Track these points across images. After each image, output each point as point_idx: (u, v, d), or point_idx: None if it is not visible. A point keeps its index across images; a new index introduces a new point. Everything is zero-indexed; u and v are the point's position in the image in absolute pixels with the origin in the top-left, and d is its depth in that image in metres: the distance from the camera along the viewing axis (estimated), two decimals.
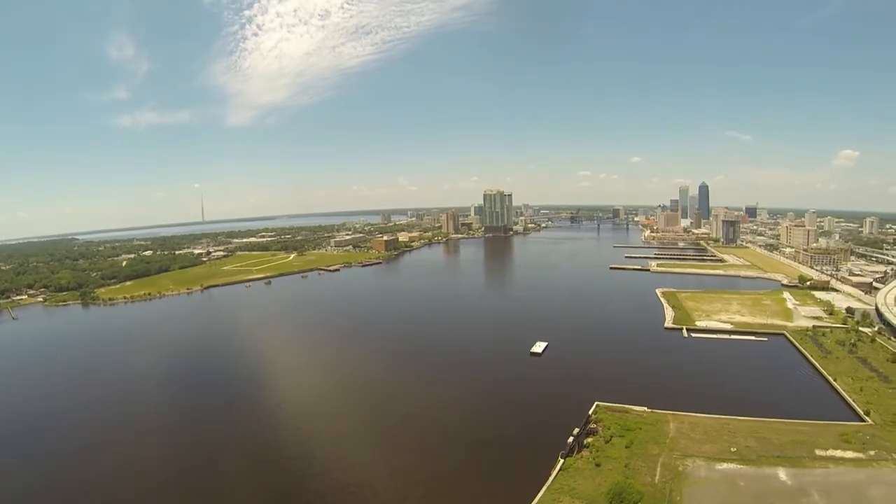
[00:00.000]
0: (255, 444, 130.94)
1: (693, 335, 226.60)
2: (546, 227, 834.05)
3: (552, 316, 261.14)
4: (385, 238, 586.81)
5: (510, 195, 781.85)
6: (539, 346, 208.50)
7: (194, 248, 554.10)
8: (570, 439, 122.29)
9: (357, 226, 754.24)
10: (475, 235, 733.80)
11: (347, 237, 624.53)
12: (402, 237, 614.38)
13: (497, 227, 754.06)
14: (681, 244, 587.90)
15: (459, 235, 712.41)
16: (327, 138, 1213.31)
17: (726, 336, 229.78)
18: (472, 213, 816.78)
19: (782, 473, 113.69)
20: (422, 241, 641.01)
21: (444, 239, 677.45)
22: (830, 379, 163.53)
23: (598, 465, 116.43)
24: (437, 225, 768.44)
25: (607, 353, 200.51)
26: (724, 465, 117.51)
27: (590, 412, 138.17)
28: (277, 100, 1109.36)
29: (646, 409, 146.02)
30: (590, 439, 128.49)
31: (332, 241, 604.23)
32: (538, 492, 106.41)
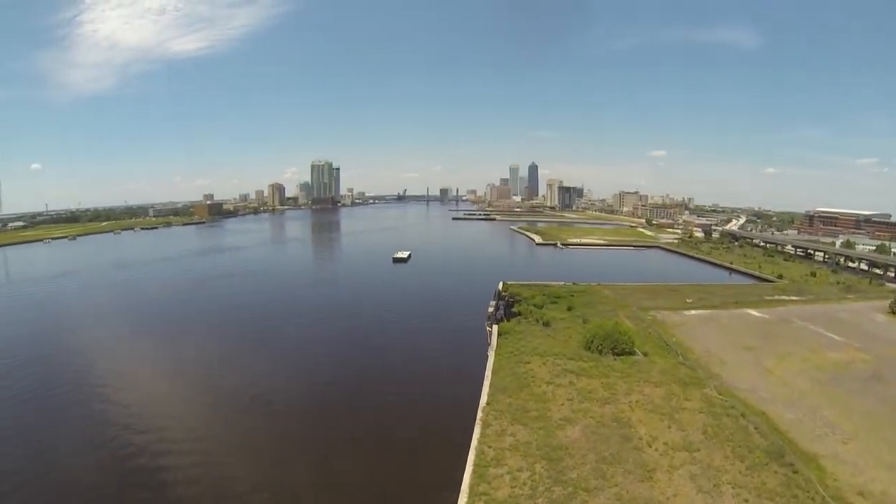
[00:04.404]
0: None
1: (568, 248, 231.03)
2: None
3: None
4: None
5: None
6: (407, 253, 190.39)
7: None
8: (491, 310, 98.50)
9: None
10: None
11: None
12: None
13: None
14: (517, 210, 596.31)
15: None
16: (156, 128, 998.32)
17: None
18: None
19: (754, 311, 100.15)
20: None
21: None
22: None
23: (546, 324, 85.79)
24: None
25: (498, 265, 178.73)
26: (693, 312, 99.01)
27: (498, 288, 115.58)
28: (102, 88, 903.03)
29: (564, 282, 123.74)
30: (516, 308, 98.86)
31: (149, 210, 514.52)
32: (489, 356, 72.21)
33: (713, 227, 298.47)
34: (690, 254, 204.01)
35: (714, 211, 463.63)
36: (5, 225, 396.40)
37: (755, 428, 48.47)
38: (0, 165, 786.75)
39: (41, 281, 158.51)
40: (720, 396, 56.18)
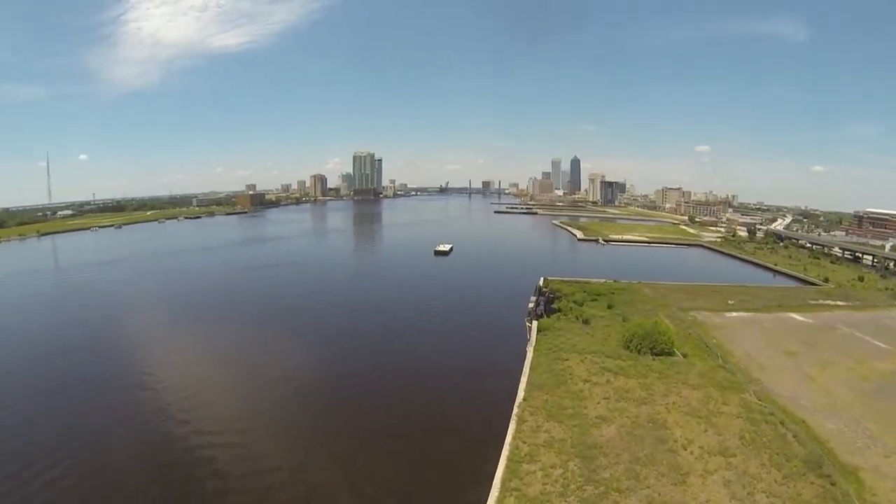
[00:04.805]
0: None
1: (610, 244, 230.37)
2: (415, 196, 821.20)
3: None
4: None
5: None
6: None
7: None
8: (531, 305, 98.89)
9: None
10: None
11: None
12: None
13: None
14: (559, 204, 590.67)
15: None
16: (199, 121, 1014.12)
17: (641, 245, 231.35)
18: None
19: (797, 315, 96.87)
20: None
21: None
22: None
23: (586, 322, 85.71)
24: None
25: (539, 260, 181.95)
26: (734, 314, 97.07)
27: (539, 284, 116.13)
28: (146, 83, 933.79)
29: (605, 280, 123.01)
30: (556, 305, 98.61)
31: (193, 200, 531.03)
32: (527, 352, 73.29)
33: (757, 227, 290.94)
34: (733, 254, 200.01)
35: (759, 209, 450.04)
36: (55, 213, 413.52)
37: (794, 436, 47.75)
38: (49, 157, 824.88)
39: (89, 268, 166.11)
40: (759, 402, 55.56)
